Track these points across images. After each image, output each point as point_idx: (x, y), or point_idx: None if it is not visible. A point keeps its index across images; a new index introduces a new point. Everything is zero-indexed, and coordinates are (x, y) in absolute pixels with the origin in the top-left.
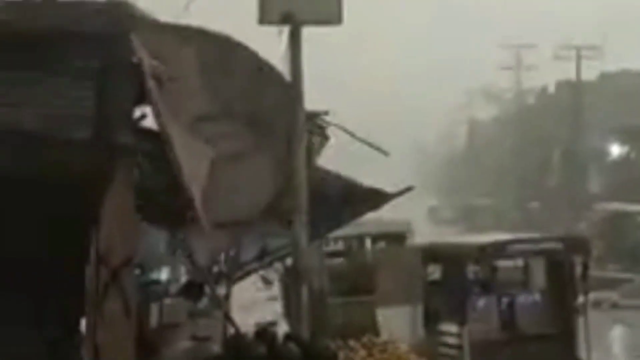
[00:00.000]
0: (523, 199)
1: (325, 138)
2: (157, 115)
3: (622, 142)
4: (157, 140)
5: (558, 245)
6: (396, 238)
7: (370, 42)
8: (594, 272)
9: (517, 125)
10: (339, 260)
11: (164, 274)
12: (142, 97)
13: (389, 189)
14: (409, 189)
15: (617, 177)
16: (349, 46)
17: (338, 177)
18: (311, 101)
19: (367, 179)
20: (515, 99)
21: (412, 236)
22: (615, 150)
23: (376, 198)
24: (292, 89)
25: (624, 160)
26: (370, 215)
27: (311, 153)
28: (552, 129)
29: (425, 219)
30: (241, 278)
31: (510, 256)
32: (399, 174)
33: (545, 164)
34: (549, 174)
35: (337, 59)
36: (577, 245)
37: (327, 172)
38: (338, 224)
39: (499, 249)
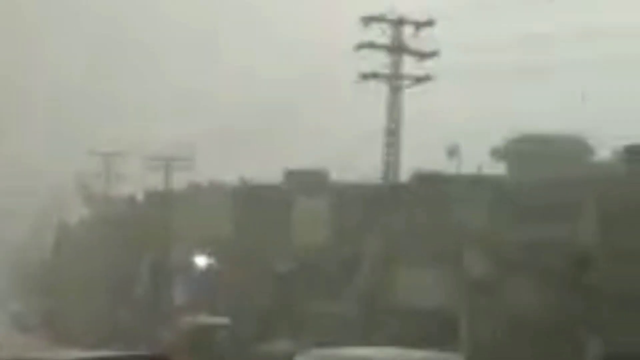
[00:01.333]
0: (110, 308)
1: None
2: None
3: (208, 253)
4: None
5: None
6: None
7: None
8: None
9: (106, 232)
10: None
11: None
12: None
13: None
14: None
15: (202, 288)
16: None
17: None
18: None
19: None
20: (105, 206)
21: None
22: (201, 261)
23: None
24: None
25: (210, 272)
26: None
27: None
28: (140, 238)
29: (8, 326)
30: None
31: None
32: None
33: (132, 274)
34: (137, 283)
35: None
36: None
37: None
38: None
39: None
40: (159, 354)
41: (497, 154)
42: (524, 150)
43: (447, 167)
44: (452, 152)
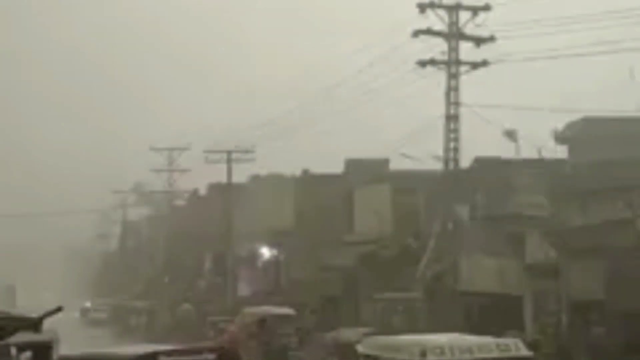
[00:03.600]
0: (174, 301)
1: None
2: None
3: (271, 244)
4: None
5: (209, 356)
6: (42, 347)
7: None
8: None
9: (169, 227)
10: None
11: None
12: None
13: (40, 288)
14: (59, 310)
15: (265, 279)
16: None
17: None
18: None
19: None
20: (167, 200)
21: (57, 344)
22: (265, 252)
23: (29, 324)
24: None
25: (273, 263)
26: None
27: None
28: (203, 231)
29: (78, 321)
30: None
31: None
32: (51, 276)
33: (196, 266)
34: (201, 276)
35: None
36: (227, 354)
37: None
38: None
39: None
40: (224, 346)
41: (559, 137)
42: (585, 133)
43: (505, 151)
44: (510, 135)
